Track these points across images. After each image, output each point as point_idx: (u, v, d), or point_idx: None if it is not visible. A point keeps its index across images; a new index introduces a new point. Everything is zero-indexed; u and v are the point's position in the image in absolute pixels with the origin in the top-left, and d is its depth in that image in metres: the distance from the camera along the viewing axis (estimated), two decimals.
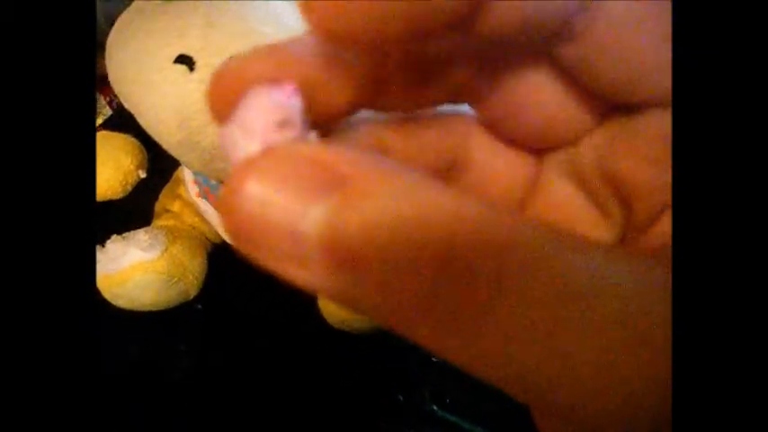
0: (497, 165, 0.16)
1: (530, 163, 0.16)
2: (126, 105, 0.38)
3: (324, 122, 0.13)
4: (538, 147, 0.16)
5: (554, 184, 0.16)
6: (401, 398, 0.41)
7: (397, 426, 0.40)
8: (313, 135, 0.12)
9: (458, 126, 0.16)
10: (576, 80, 0.14)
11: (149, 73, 0.34)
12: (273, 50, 0.13)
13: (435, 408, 0.41)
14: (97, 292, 0.40)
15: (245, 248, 0.10)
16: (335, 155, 0.10)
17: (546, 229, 0.10)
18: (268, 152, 0.11)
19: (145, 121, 0.36)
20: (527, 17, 0.12)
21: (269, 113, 0.11)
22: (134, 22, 0.35)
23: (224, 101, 0.13)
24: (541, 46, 0.13)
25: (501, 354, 0.10)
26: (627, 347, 0.09)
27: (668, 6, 0.12)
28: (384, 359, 0.42)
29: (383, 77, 0.14)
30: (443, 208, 0.10)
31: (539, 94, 0.15)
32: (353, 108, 0.14)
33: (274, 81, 0.12)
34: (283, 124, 0.11)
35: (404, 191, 0.10)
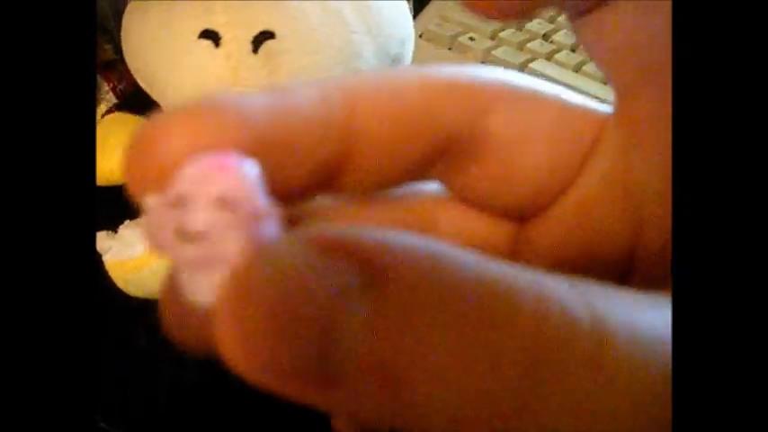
0: (466, 241, 0.15)
1: (506, 233, 0.15)
2: (143, 84, 0.36)
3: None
4: (520, 215, 0.14)
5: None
6: None
7: None
8: (277, 216, 0.09)
9: (424, 202, 0.14)
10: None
11: (172, 49, 0.32)
12: (213, 109, 0.10)
13: None
14: (108, 280, 0.39)
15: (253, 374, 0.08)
16: (359, 237, 0.08)
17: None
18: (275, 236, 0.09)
19: (165, 98, 0.35)
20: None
21: (215, 202, 0.09)
22: None
23: (144, 175, 0.10)
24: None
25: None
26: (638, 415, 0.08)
27: (551, 107, 0.13)
28: None
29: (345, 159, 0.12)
30: (519, 286, 0.08)
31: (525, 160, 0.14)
32: (309, 192, 0.12)
33: (212, 149, 0.09)
34: (236, 211, 0.09)
35: (457, 269, 0.08)
